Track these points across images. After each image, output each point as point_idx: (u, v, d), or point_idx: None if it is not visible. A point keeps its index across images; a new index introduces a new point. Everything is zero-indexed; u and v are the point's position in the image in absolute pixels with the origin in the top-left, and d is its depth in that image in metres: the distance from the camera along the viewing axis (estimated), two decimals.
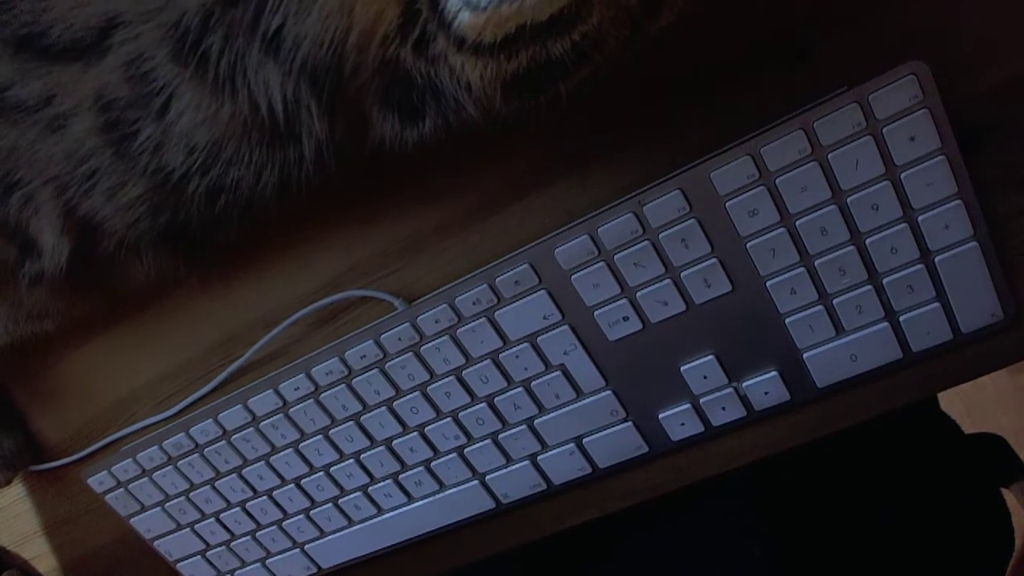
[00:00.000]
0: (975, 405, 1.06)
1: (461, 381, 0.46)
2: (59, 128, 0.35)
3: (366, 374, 0.47)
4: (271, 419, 0.50)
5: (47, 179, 0.37)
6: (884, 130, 0.36)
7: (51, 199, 0.38)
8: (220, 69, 0.31)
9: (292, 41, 0.30)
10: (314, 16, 0.29)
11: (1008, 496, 0.62)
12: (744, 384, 0.43)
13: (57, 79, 0.34)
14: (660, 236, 0.40)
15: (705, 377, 0.43)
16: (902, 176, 0.37)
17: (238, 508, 0.55)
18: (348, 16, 0.29)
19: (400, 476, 0.50)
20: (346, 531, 0.53)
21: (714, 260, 0.40)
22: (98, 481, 0.56)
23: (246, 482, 0.53)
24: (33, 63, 0.34)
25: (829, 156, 0.37)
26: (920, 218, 0.37)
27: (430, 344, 0.45)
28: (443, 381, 0.46)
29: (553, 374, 0.44)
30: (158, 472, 0.54)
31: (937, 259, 0.38)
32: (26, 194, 0.38)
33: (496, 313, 0.43)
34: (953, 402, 0.63)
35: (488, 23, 0.27)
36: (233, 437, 0.51)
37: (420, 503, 0.51)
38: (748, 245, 0.39)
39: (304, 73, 0.31)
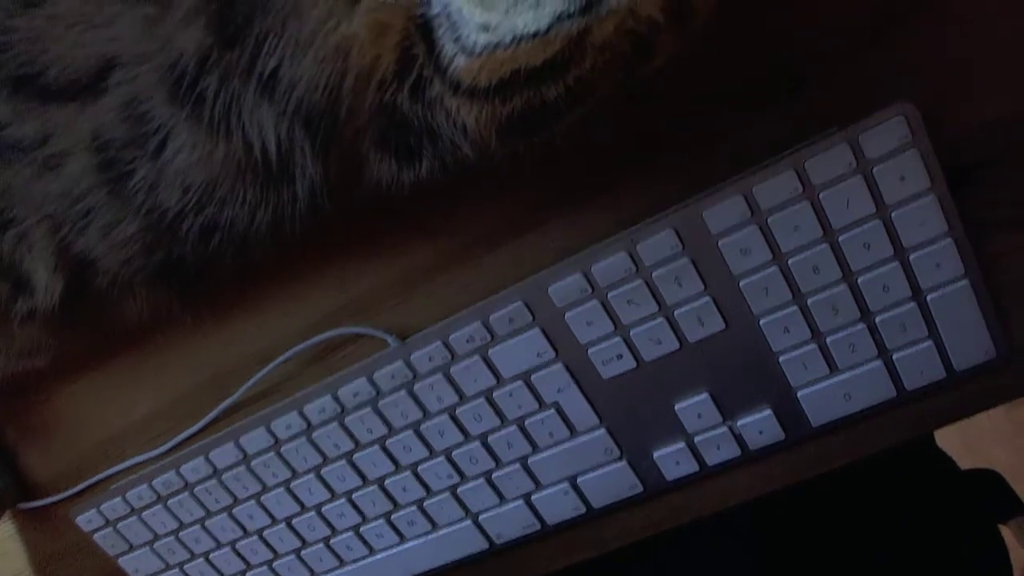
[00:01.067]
0: (971, 440, 1.06)
1: (454, 419, 0.45)
2: (55, 167, 0.35)
3: (359, 412, 0.46)
4: (262, 457, 0.49)
5: (41, 217, 0.37)
6: (874, 170, 0.36)
7: (45, 237, 0.38)
8: (216, 110, 0.31)
9: (287, 83, 0.30)
10: (309, 59, 0.30)
11: (1005, 532, 0.62)
12: (739, 423, 0.43)
13: (54, 119, 0.34)
14: (653, 274, 0.40)
15: (699, 416, 0.43)
16: (893, 215, 0.37)
17: (228, 548, 0.54)
18: (344, 60, 0.29)
19: (392, 516, 0.49)
20: (337, 572, 0.52)
21: (707, 299, 0.40)
22: (87, 519, 0.55)
23: (236, 522, 0.52)
24: (30, 103, 0.34)
25: (820, 195, 0.37)
26: (911, 257, 0.38)
27: (423, 382, 0.45)
28: (436, 419, 0.46)
29: (547, 412, 0.44)
30: (147, 511, 0.54)
31: (929, 298, 0.38)
32: (20, 232, 0.38)
33: (490, 351, 0.43)
34: (949, 437, 0.63)
35: (483, 67, 0.27)
36: (224, 476, 0.51)
37: (412, 543, 0.50)
38: (741, 284, 0.39)
39: (298, 115, 0.31)
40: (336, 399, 0.47)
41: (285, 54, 0.30)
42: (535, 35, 0.25)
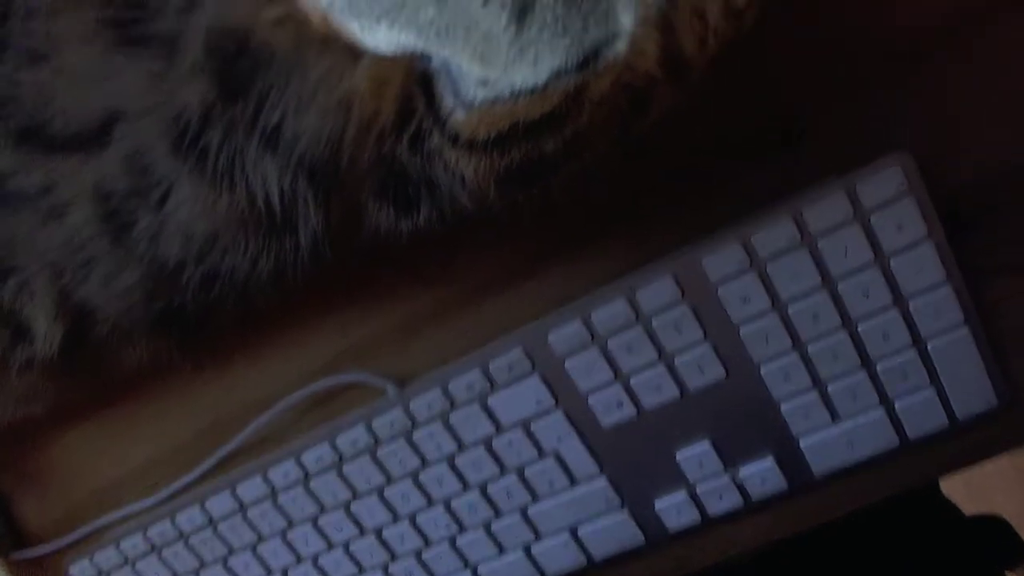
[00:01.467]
0: (975, 485, 1.05)
1: (453, 468, 0.45)
2: (58, 217, 0.35)
3: (357, 460, 0.46)
4: (259, 506, 0.49)
5: (43, 266, 0.37)
6: (871, 218, 0.37)
7: (46, 285, 0.38)
8: (219, 163, 0.32)
9: (291, 136, 0.31)
10: (312, 113, 0.30)
11: None
12: (741, 472, 0.42)
13: (58, 170, 0.34)
14: (653, 322, 0.40)
15: (701, 464, 0.42)
16: (891, 263, 0.37)
17: None
18: (346, 113, 0.30)
19: (389, 567, 0.49)
20: None
21: (707, 346, 0.40)
22: (80, 569, 0.55)
23: (231, 572, 0.52)
24: (35, 154, 0.35)
25: (818, 243, 0.37)
26: (911, 304, 0.38)
27: (422, 430, 0.44)
28: (435, 468, 0.45)
29: (547, 461, 0.44)
30: (142, 561, 0.53)
31: (929, 345, 0.38)
32: (21, 280, 0.38)
33: (489, 398, 0.43)
34: (953, 482, 0.63)
35: (482, 121, 0.27)
36: (219, 525, 0.50)
37: None
38: (741, 331, 0.39)
39: (302, 167, 0.31)
40: (334, 446, 0.46)
41: (288, 108, 0.30)
42: (533, 90, 0.26)
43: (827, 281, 0.38)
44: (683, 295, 0.39)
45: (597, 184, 0.33)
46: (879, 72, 0.37)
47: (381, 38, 0.26)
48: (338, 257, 0.36)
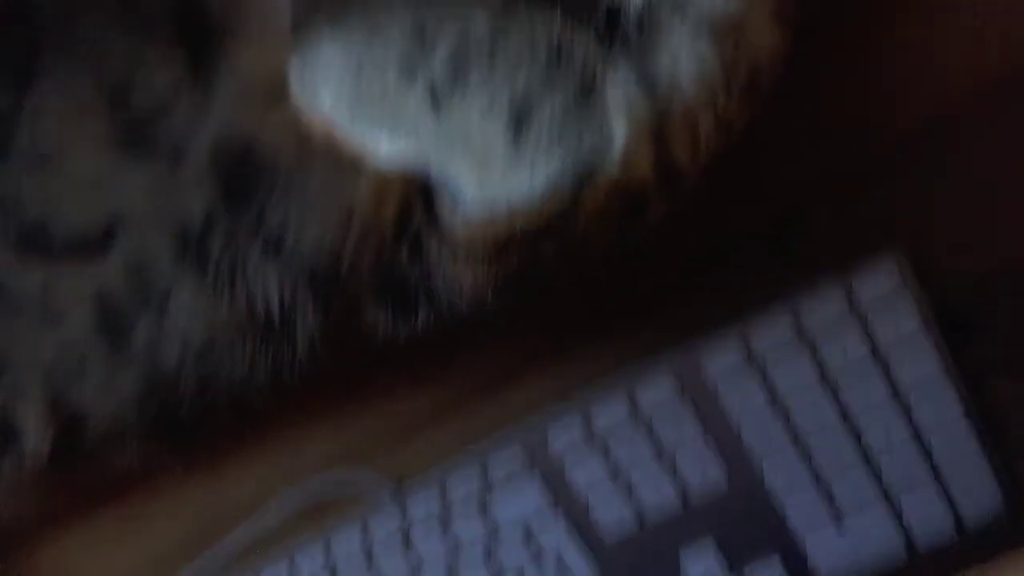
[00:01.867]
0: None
1: (451, 572, 0.44)
2: (55, 320, 0.35)
3: (352, 563, 0.45)
4: None
5: (37, 368, 0.37)
6: (868, 317, 0.37)
7: (39, 388, 0.37)
8: (220, 269, 0.32)
9: (292, 244, 0.31)
10: (314, 222, 0.31)
11: None
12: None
13: (57, 273, 0.35)
14: (653, 419, 0.40)
15: (705, 570, 0.41)
16: (889, 362, 0.37)
17: None
18: (347, 221, 0.30)
19: None
20: None
21: (708, 444, 0.40)
22: None
23: None
24: (34, 256, 0.35)
25: (816, 341, 0.37)
26: (911, 403, 0.38)
27: (418, 531, 0.43)
28: (432, 572, 0.44)
29: (546, 563, 0.43)
30: None
31: (932, 445, 0.38)
32: (13, 382, 0.38)
33: (488, 498, 0.42)
34: None
35: (479, 230, 0.28)
36: None
37: None
38: (742, 429, 0.39)
39: (303, 274, 0.32)
40: (328, 548, 0.45)
41: (290, 215, 0.31)
42: (530, 199, 0.26)
43: (826, 378, 0.38)
44: (683, 392, 0.39)
45: (594, 288, 0.33)
46: (874, 171, 0.37)
47: (382, 148, 0.27)
48: (336, 359, 0.36)
